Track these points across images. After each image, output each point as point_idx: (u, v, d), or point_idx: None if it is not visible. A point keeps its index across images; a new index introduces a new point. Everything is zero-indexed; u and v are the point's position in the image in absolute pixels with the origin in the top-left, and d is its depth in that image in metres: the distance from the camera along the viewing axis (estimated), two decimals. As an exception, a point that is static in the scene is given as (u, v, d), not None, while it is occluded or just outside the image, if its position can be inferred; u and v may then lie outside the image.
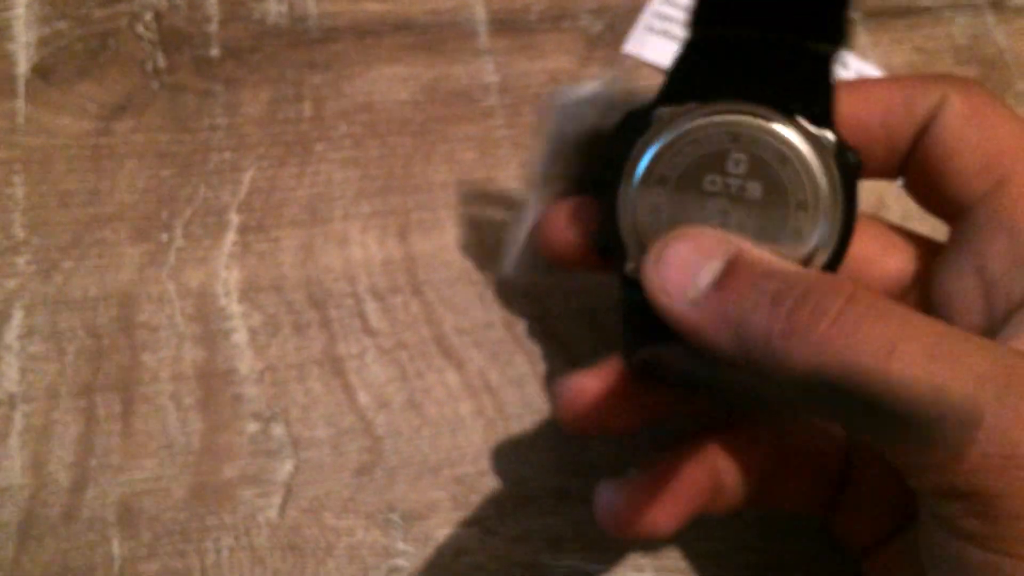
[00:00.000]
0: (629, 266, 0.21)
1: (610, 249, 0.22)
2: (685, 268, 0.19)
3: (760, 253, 0.19)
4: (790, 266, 0.19)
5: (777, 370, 0.18)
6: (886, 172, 0.23)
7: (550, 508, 0.27)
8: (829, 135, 0.20)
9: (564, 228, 0.24)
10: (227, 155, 0.31)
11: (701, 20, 0.21)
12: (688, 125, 0.21)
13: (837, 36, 0.20)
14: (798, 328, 0.17)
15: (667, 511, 0.23)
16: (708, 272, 0.19)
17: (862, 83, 0.23)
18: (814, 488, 0.25)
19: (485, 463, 0.28)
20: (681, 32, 0.34)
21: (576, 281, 0.30)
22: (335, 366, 0.28)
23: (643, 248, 0.21)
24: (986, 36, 0.34)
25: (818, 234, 0.20)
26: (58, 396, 0.27)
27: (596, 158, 0.23)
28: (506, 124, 0.32)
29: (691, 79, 0.21)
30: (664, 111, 0.21)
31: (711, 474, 0.24)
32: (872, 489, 0.24)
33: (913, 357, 0.16)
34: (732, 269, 0.19)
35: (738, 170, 0.20)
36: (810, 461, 0.25)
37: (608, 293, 0.30)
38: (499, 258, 0.27)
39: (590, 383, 0.23)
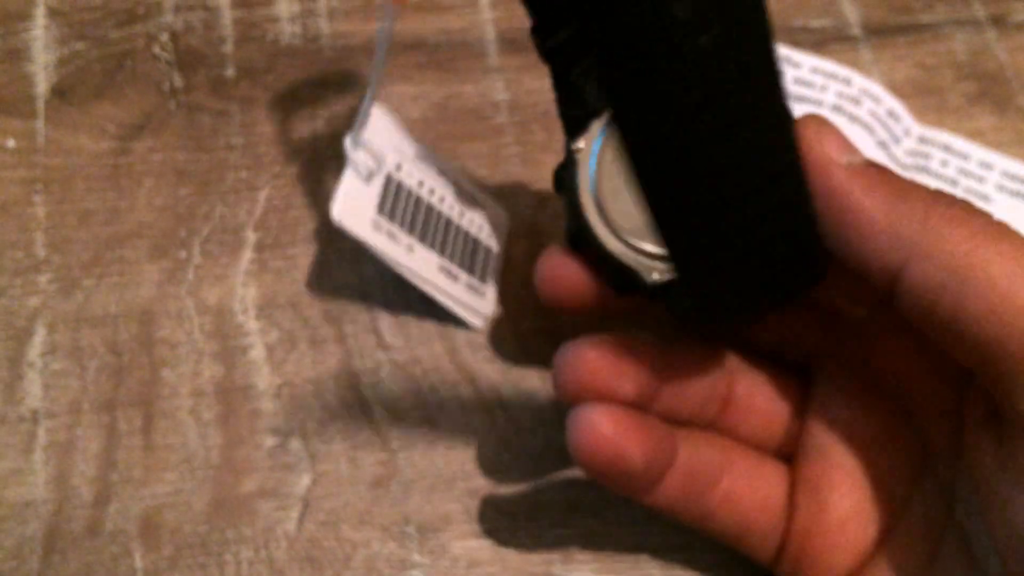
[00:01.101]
0: (652, 277, 0.22)
1: (620, 277, 0.22)
2: (842, 139, 0.21)
3: None
4: None
5: (926, 249, 0.19)
6: None
7: (562, 520, 0.28)
8: None
9: (567, 272, 0.24)
10: (243, 174, 0.31)
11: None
12: (601, 136, 0.23)
13: None
14: (957, 220, 0.19)
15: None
16: (859, 153, 0.21)
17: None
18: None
19: (498, 476, 0.28)
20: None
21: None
22: (351, 381, 0.29)
23: (641, 253, 0.22)
24: (987, 52, 0.35)
25: None
26: (80, 412, 0.28)
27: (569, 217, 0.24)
28: (516, 141, 0.33)
29: (578, 105, 0.24)
30: (576, 143, 0.23)
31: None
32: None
33: None
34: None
35: None
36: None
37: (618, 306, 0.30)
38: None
39: (589, 349, 0.23)
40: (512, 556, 0.27)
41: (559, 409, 0.29)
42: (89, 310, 0.29)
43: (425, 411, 0.29)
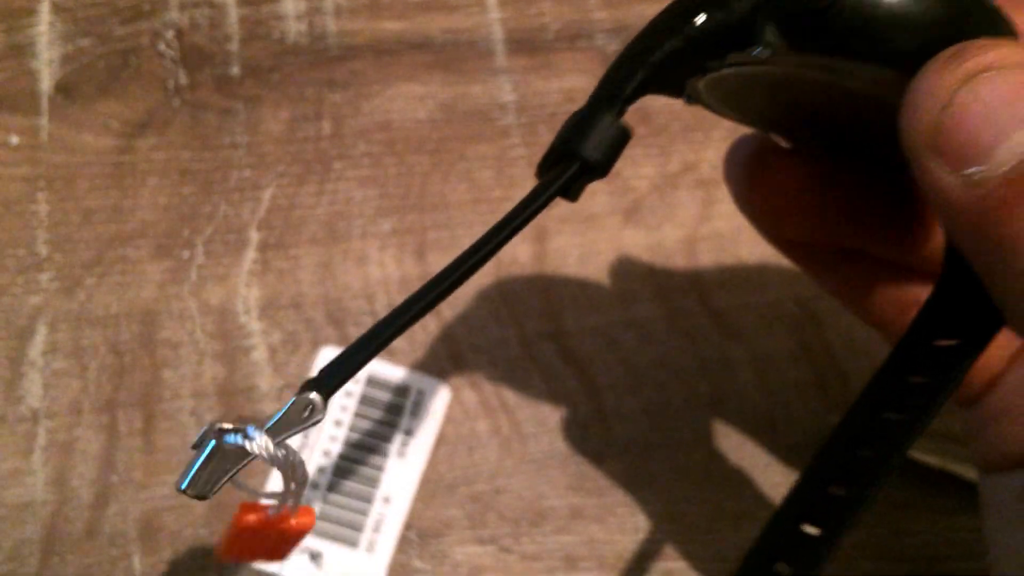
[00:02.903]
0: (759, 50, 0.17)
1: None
2: (983, 129, 0.14)
3: None
4: None
5: None
6: None
7: (565, 526, 0.28)
8: None
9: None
10: (247, 173, 0.31)
11: None
12: None
13: None
14: None
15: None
16: (1015, 148, 0.14)
17: None
18: None
19: (501, 481, 0.28)
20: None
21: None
22: (353, 384, 0.29)
23: None
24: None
25: None
26: (81, 412, 0.28)
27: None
28: (522, 143, 0.33)
29: None
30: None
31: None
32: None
33: None
34: None
35: None
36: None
37: (622, 311, 0.30)
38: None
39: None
40: (514, 562, 0.27)
41: (562, 415, 0.29)
42: (91, 309, 0.29)
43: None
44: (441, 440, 0.28)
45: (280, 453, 0.17)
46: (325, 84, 0.33)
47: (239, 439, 0.17)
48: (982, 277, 0.16)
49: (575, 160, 0.17)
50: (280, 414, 0.17)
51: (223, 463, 0.17)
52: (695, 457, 0.29)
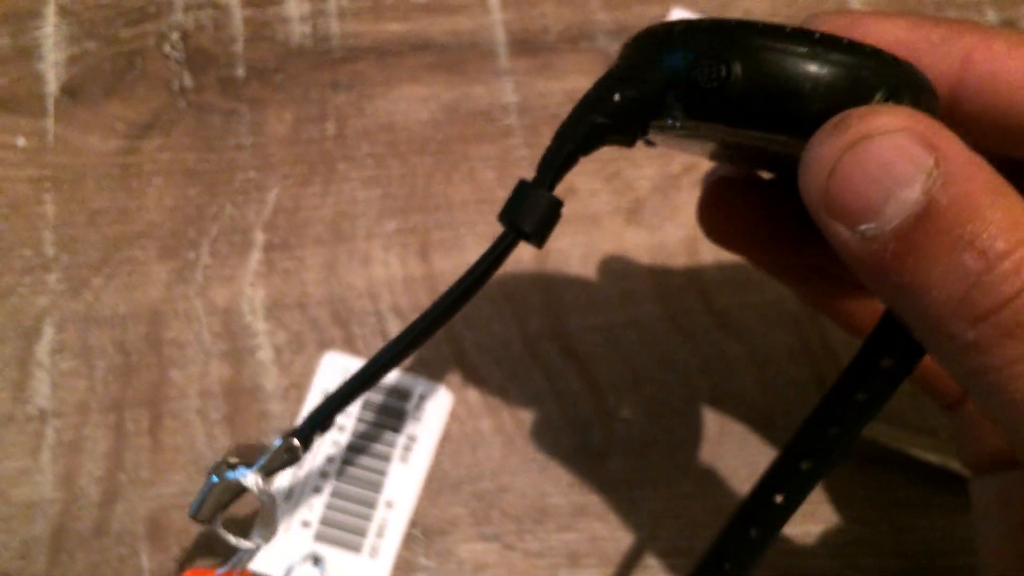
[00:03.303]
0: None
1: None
2: (868, 191, 0.15)
3: (979, 173, 0.15)
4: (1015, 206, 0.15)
5: (948, 353, 0.15)
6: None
7: (568, 524, 0.28)
8: None
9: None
10: (252, 174, 0.31)
11: None
12: None
13: None
14: (992, 346, 0.15)
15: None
16: (900, 205, 0.15)
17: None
18: None
19: (504, 479, 0.28)
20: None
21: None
22: (358, 383, 0.29)
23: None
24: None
25: None
26: (88, 411, 0.28)
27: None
28: (525, 144, 0.33)
29: None
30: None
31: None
32: None
33: None
34: (931, 209, 0.15)
35: None
36: None
37: (623, 310, 0.30)
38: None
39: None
40: (518, 560, 0.27)
41: (564, 413, 0.29)
42: (98, 310, 0.29)
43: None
44: (445, 438, 0.29)
45: (268, 489, 0.22)
46: (329, 86, 0.33)
47: (237, 475, 0.21)
48: (895, 313, 0.17)
49: (512, 230, 0.19)
50: (267, 457, 0.21)
51: (223, 494, 0.21)
52: (696, 455, 0.29)
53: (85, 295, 0.29)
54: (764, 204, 0.24)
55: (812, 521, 0.28)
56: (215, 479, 0.21)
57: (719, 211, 0.24)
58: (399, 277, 0.30)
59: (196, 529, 0.27)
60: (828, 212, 0.16)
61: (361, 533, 0.27)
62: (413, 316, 0.30)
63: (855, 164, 0.16)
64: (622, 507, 0.28)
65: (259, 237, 0.31)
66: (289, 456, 0.21)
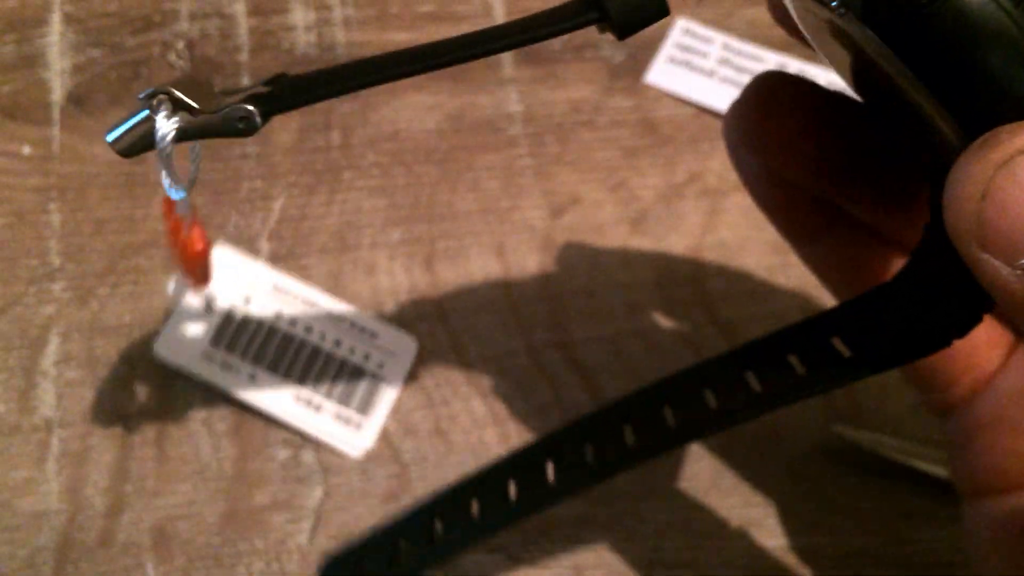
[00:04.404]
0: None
1: None
2: None
3: None
4: None
5: None
6: None
7: (573, 535, 0.28)
8: None
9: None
10: (258, 183, 0.32)
11: None
12: None
13: None
14: None
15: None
16: None
17: None
18: None
19: (510, 490, 0.28)
20: (701, 64, 0.34)
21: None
22: (363, 393, 0.29)
23: None
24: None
25: None
26: (94, 421, 0.28)
27: None
28: (529, 153, 0.33)
29: None
30: None
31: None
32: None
33: None
34: None
35: None
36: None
37: (628, 321, 0.30)
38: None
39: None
40: (523, 570, 0.27)
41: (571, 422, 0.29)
42: (103, 319, 0.29)
43: (437, 424, 0.29)
44: (450, 449, 0.29)
45: (168, 143, 0.17)
46: (334, 95, 0.33)
47: (160, 113, 0.17)
48: None
49: (595, 10, 0.16)
50: (215, 113, 0.17)
51: (143, 135, 0.17)
52: (701, 466, 0.29)
53: (91, 304, 0.29)
54: (824, 111, 0.21)
55: (817, 532, 0.28)
56: (144, 113, 0.17)
57: (773, 104, 0.21)
58: (404, 287, 0.31)
59: (202, 539, 0.27)
60: (982, 244, 0.14)
61: (345, 402, 0.29)
62: (418, 326, 0.30)
63: (1014, 183, 0.13)
64: (627, 519, 0.28)
65: (264, 246, 0.31)
66: (243, 126, 0.17)
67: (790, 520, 0.28)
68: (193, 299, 0.28)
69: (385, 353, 0.29)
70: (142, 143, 0.17)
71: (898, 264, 0.22)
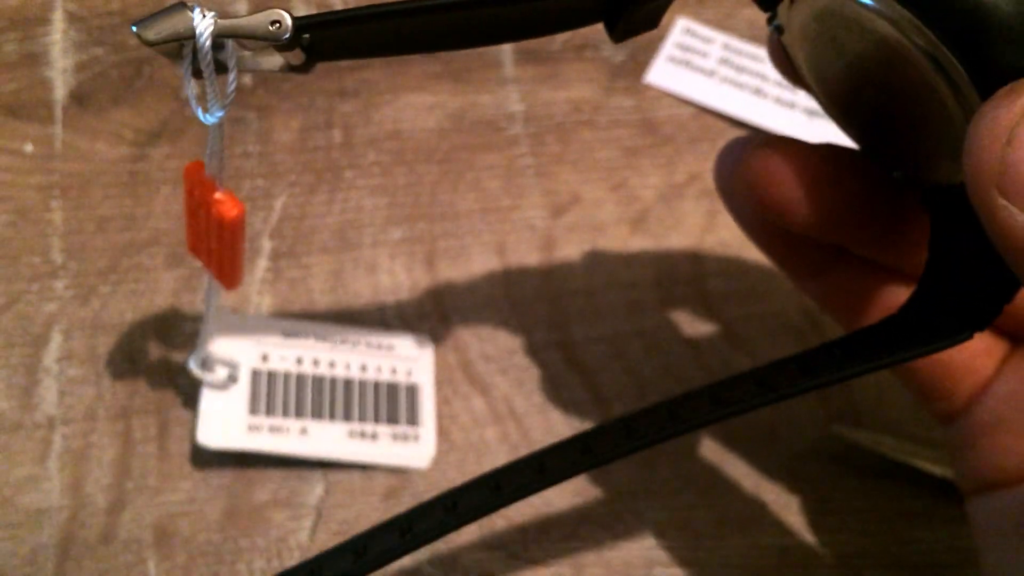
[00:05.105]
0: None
1: None
2: None
3: None
4: None
5: None
6: None
7: (573, 533, 0.28)
8: None
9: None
10: (259, 182, 0.32)
11: None
12: None
13: None
14: None
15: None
16: None
17: None
18: None
19: (510, 488, 0.28)
20: (702, 64, 0.34)
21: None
22: (364, 392, 0.29)
23: None
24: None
25: None
26: (96, 419, 0.28)
27: None
28: (530, 153, 0.33)
29: None
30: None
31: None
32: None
33: None
34: None
35: None
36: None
37: (628, 321, 0.30)
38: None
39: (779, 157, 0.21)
40: (523, 568, 0.28)
41: (569, 423, 0.29)
42: (105, 317, 0.29)
43: (437, 422, 0.29)
44: (451, 447, 0.29)
45: (208, 36, 0.17)
46: (336, 94, 0.33)
47: (195, 11, 0.17)
48: None
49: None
50: (247, 18, 0.17)
51: (174, 21, 0.17)
52: (701, 465, 0.29)
53: (93, 302, 0.29)
54: (815, 159, 0.21)
55: (816, 532, 0.28)
56: (178, 6, 0.17)
57: (764, 158, 0.21)
58: (405, 285, 0.31)
59: (203, 536, 0.27)
60: (1002, 190, 0.14)
61: (394, 420, 0.28)
62: (419, 324, 0.30)
63: None
64: (627, 517, 0.28)
65: (266, 245, 0.31)
66: (275, 28, 0.17)
67: (789, 519, 0.28)
68: (215, 373, 0.27)
69: (407, 360, 0.29)
70: (173, 33, 0.17)
71: (901, 291, 0.23)
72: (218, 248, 0.22)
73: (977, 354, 0.23)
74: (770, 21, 0.20)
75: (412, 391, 0.29)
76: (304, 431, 0.27)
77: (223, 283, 0.24)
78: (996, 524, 0.22)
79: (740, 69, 0.35)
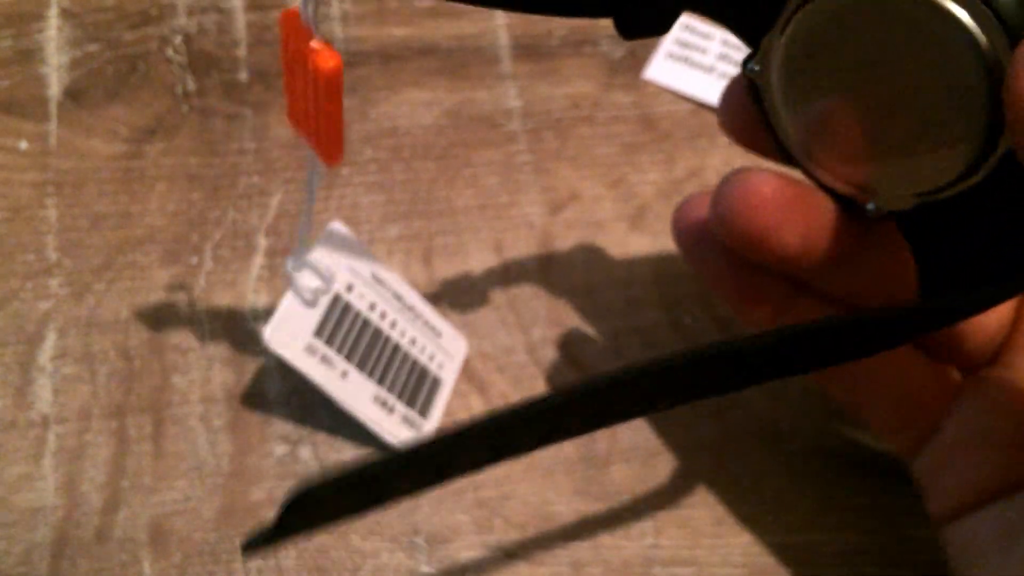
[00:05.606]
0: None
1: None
2: None
3: None
4: None
5: None
6: None
7: (572, 532, 0.28)
8: None
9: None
10: (255, 179, 0.31)
11: None
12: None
13: None
14: None
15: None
16: None
17: None
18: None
19: (508, 487, 0.28)
20: (700, 60, 0.34)
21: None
22: (361, 389, 0.29)
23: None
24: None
25: None
26: (90, 417, 0.28)
27: None
28: (528, 149, 0.33)
29: None
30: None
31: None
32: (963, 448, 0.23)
33: None
34: None
35: None
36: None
37: (627, 318, 0.30)
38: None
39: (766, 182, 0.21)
40: (521, 567, 0.27)
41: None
42: (100, 315, 0.29)
43: (439, 421, 0.29)
44: (448, 446, 0.28)
45: None
46: (332, 90, 0.33)
47: None
48: None
49: None
50: None
51: None
52: (700, 463, 0.29)
53: (88, 300, 0.29)
54: (803, 187, 0.22)
55: (816, 530, 0.28)
56: None
57: (751, 178, 0.21)
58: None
59: (199, 536, 0.27)
60: None
61: (412, 403, 0.28)
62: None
63: None
64: (626, 515, 0.28)
65: (262, 242, 0.31)
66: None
67: (789, 517, 0.28)
68: (307, 280, 0.26)
69: (445, 354, 0.29)
70: None
71: None
72: (315, 113, 0.20)
73: (928, 386, 0.24)
74: (746, 64, 0.20)
75: (435, 384, 0.29)
76: (345, 375, 0.27)
77: (324, 158, 0.22)
78: (976, 545, 0.22)
79: (739, 65, 0.34)
